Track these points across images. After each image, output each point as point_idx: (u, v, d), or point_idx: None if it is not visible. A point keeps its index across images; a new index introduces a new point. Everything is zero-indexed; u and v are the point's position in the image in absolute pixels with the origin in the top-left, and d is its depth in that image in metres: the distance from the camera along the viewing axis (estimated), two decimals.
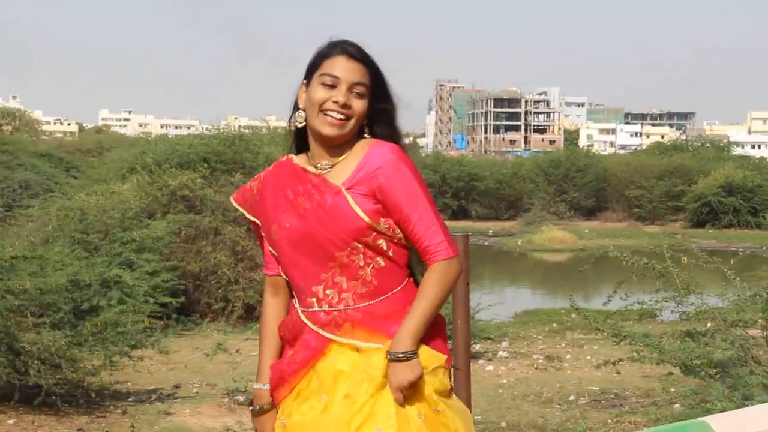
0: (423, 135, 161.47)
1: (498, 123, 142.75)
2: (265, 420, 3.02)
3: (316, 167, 2.96)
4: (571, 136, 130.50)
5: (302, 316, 2.92)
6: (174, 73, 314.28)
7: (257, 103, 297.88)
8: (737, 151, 65.16)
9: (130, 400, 9.61)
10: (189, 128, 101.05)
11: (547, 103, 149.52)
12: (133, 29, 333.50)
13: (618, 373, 9.88)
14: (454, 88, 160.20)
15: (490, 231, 39.85)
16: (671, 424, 4.76)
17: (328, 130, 2.91)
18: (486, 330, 13.27)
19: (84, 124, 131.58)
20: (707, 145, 59.18)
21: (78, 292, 9.51)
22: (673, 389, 8.13)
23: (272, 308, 3.09)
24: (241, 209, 3.17)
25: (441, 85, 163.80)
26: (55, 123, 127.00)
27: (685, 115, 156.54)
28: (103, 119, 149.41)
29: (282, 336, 3.02)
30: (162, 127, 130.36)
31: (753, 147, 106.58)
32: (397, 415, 2.75)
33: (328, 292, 2.88)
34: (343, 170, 2.91)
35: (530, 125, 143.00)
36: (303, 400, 2.88)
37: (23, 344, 8.28)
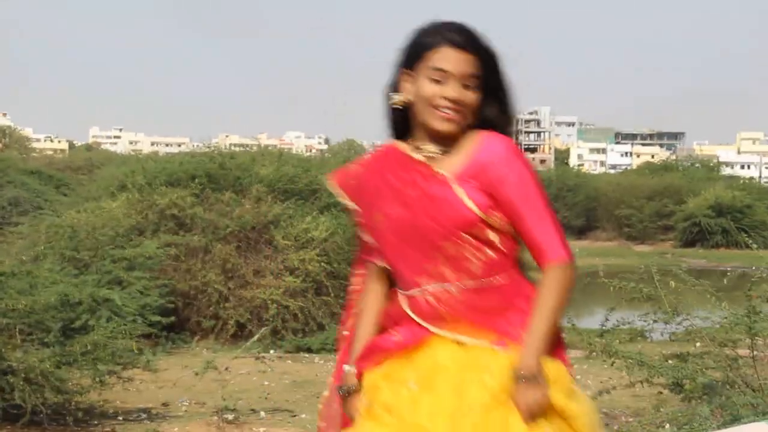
0: None
1: None
2: (353, 401, 2.92)
3: (422, 155, 2.83)
4: (562, 156, 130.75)
5: (404, 306, 2.83)
6: (165, 91, 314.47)
7: (247, 121, 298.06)
8: (727, 171, 65.49)
9: (118, 419, 9.56)
10: (180, 146, 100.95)
11: (538, 122, 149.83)
12: (124, 46, 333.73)
13: (608, 392, 9.87)
14: None
15: None
16: None
17: (441, 126, 2.79)
18: None
19: (74, 142, 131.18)
20: (697, 165, 59.52)
21: (67, 311, 9.48)
22: (662, 409, 8.12)
23: (373, 294, 2.97)
24: (338, 192, 3.02)
25: None
26: (45, 140, 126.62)
27: (675, 135, 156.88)
28: (93, 137, 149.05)
29: (384, 324, 2.91)
30: (152, 144, 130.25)
31: (742, 167, 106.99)
32: None
33: (431, 282, 2.77)
34: (452, 160, 2.80)
35: (521, 144, 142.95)
36: (395, 383, 2.78)
37: (10, 362, 8.24)
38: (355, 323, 3.02)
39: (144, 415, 9.79)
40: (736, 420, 6.37)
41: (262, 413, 10.29)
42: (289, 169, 18.35)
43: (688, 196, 42.12)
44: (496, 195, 2.74)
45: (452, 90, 2.78)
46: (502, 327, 2.74)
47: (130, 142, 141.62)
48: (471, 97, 2.80)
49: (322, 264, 15.73)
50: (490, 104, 2.85)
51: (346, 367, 2.98)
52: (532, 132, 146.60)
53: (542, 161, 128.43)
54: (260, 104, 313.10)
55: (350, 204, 2.99)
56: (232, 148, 21.29)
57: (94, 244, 13.92)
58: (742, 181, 50.81)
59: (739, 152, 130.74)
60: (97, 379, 8.87)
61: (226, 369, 11.51)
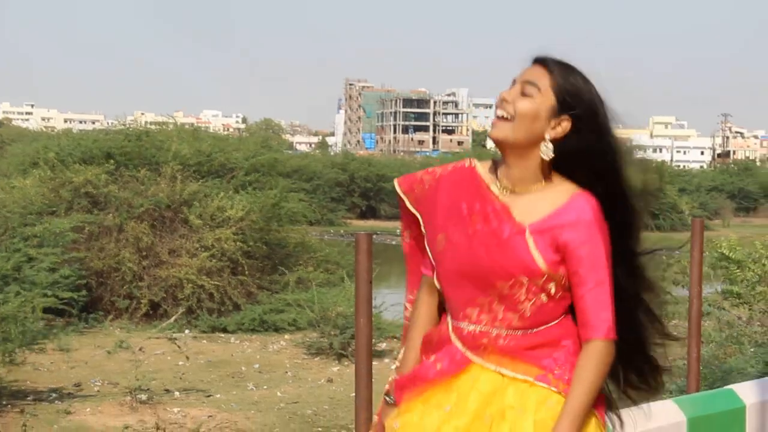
0: (332, 134, 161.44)
1: (407, 123, 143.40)
2: (389, 412, 2.89)
3: (503, 190, 2.74)
4: (480, 137, 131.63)
5: (451, 333, 2.79)
6: (79, 67, 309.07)
7: (164, 98, 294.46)
8: (639, 154, 66.55)
9: (28, 399, 9.42)
10: (94, 123, 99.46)
11: (456, 104, 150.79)
12: (35, 19, 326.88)
13: None
14: (363, 87, 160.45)
15: (398, 230, 40.01)
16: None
17: (490, 133, 2.74)
18: (391, 329, 13.35)
19: None
20: None
21: None
22: None
23: (425, 307, 2.93)
24: (403, 196, 2.92)
25: (350, 84, 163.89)
26: None
27: None
28: (4, 112, 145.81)
29: (426, 348, 2.87)
30: (66, 121, 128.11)
31: (654, 151, 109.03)
32: None
33: (482, 317, 2.73)
34: (533, 207, 2.70)
35: (439, 126, 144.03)
36: (430, 407, 2.76)
37: None
38: (406, 334, 2.99)
39: (55, 395, 9.66)
40: (644, 398, 6.51)
41: (177, 393, 10.23)
42: (205, 147, 18.20)
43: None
44: (566, 255, 2.66)
45: (508, 91, 2.72)
46: (548, 364, 2.72)
47: (43, 119, 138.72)
48: (522, 103, 2.68)
49: (238, 243, 15.65)
50: (575, 135, 2.70)
51: (395, 377, 2.94)
52: (450, 113, 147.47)
53: (460, 143, 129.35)
54: (177, 82, 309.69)
55: (412, 209, 2.91)
56: (148, 125, 20.97)
57: (3, 222, 13.64)
58: (654, 165, 51.68)
59: (651, 136, 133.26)
60: (6, 357, 8.72)
61: (140, 349, 11.43)
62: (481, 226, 2.71)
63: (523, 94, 2.68)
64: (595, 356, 2.66)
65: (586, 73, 2.74)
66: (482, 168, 2.80)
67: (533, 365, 2.71)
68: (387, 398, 2.93)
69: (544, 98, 2.68)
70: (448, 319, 2.82)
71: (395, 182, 2.97)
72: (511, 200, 2.71)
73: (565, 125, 2.69)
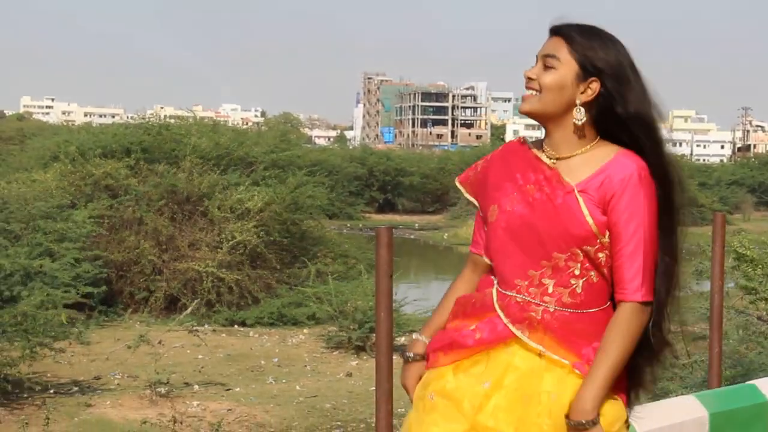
0: (350, 128, 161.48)
1: (425, 117, 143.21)
2: (412, 370, 2.90)
3: (550, 158, 2.75)
4: (498, 131, 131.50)
5: (496, 303, 2.76)
6: (99, 60, 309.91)
7: (183, 93, 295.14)
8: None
9: (49, 391, 9.47)
10: (114, 117, 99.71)
11: (474, 98, 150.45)
12: (56, 13, 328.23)
13: None
14: (382, 81, 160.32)
15: (417, 224, 40.00)
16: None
17: (521, 107, 2.78)
18: (410, 323, 13.34)
19: (5, 111, 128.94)
20: None
21: None
22: None
23: (465, 280, 2.97)
24: (462, 188, 2.97)
25: (369, 78, 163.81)
26: None
27: None
28: (24, 106, 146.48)
29: (461, 310, 2.85)
30: (86, 115, 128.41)
31: (674, 145, 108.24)
32: None
33: (531, 290, 2.71)
34: (579, 169, 2.71)
35: (457, 120, 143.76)
36: (469, 377, 2.72)
37: None
38: (442, 299, 3.01)
39: (75, 388, 9.71)
40: (666, 394, 6.50)
41: (196, 386, 10.26)
42: (224, 140, 18.24)
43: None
44: (608, 213, 2.66)
45: (531, 69, 2.74)
46: (586, 353, 2.68)
47: (63, 113, 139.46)
48: (546, 76, 2.70)
49: (260, 235, 15.68)
50: (608, 99, 2.70)
51: (418, 336, 2.96)
52: (468, 107, 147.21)
53: (478, 137, 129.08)
54: (197, 76, 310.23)
55: (470, 197, 2.95)
56: (167, 119, 21.04)
57: (25, 216, 13.70)
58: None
59: (671, 130, 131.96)
60: (27, 351, 8.76)
61: (160, 342, 11.47)
62: (539, 195, 2.72)
63: (546, 68, 2.70)
64: (626, 318, 2.63)
65: (608, 33, 2.75)
66: (531, 143, 2.85)
67: (573, 352, 2.67)
68: (408, 356, 2.92)
69: (567, 67, 2.70)
70: (495, 286, 2.79)
71: (456, 180, 3.01)
72: (560, 166, 2.73)
73: (594, 86, 2.70)
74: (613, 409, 2.65)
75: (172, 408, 8.93)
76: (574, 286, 2.69)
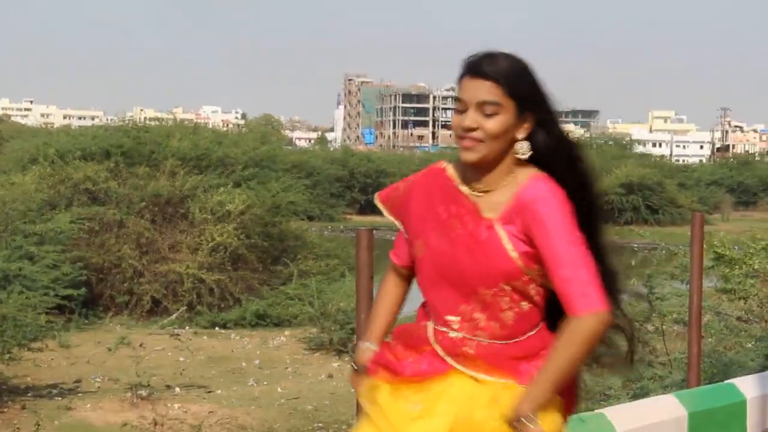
0: (331, 129, 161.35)
1: (406, 118, 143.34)
2: (361, 378, 2.94)
3: (473, 191, 2.74)
4: None
5: (431, 336, 2.77)
6: (78, 63, 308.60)
7: (163, 95, 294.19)
8: (639, 149, 66.53)
9: (29, 395, 9.43)
10: (93, 119, 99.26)
11: (457, 99, 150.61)
12: (33, 15, 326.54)
13: None
14: (362, 82, 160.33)
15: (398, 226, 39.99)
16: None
17: (464, 156, 2.70)
18: (393, 324, 13.32)
19: None
20: (610, 142, 60.31)
21: None
22: None
23: (393, 285, 3.03)
24: (381, 206, 2.98)
25: (350, 80, 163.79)
26: None
27: (590, 113, 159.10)
28: (3, 109, 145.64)
29: (401, 340, 2.86)
30: (65, 117, 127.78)
31: (654, 145, 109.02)
32: None
33: (464, 324, 2.72)
34: (498, 199, 2.69)
35: (438, 121, 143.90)
36: (398, 393, 2.76)
37: None
38: (375, 301, 3.07)
39: (55, 392, 9.67)
40: (646, 393, 6.53)
41: (177, 389, 10.24)
42: (204, 141, 18.21)
43: (600, 174, 42.68)
44: (533, 240, 2.63)
45: (468, 119, 2.68)
46: (525, 370, 2.70)
47: (42, 115, 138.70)
48: (490, 124, 2.66)
49: (240, 237, 15.66)
50: (539, 129, 2.72)
51: (366, 344, 3.00)
52: (449, 108, 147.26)
53: None
54: (176, 78, 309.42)
55: (391, 218, 2.97)
56: (147, 122, 20.99)
57: (4, 219, 13.64)
58: (653, 159, 51.82)
59: (651, 130, 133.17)
60: (6, 354, 8.72)
61: (141, 345, 11.43)
62: (461, 230, 2.71)
63: (486, 115, 2.68)
64: (575, 327, 2.59)
65: (515, 57, 2.73)
66: (452, 169, 2.82)
67: (510, 374, 2.70)
68: (354, 366, 2.98)
69: (507, 110, 2.68)
70: (430, 322, 2.80)
71: (375, 196, 3.02)
72: (481, 199, 2.72)
73: (530, 119, 2.71)
74: (550, 421, 2.66)
75: (153, 411, 8.91)
76: (504, 319, 2.70)
